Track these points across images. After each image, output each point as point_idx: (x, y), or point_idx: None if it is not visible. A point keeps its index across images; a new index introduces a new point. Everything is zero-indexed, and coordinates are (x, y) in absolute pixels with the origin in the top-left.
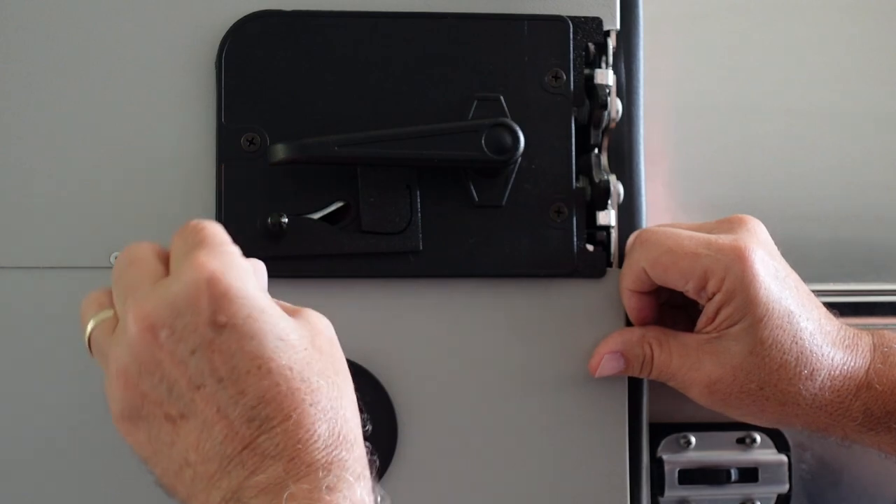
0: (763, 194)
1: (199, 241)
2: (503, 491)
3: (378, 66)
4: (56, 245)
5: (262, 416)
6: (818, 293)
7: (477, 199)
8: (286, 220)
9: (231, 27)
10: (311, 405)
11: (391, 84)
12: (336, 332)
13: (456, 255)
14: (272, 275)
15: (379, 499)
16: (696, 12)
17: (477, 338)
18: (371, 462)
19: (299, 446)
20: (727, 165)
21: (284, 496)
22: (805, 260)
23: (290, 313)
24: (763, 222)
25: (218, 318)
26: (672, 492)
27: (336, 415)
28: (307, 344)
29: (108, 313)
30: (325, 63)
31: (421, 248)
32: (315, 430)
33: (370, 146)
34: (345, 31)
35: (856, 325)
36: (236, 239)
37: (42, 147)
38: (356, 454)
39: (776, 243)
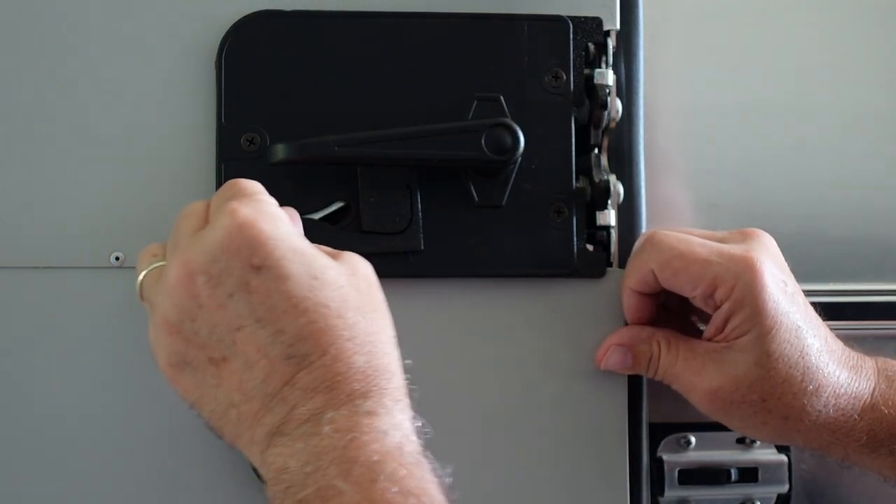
0: (763, 194)
1: (233, 193)
2: (503, 491)
3: (378, 66)
4: (56, 245)
5: (301, 353)
6: (817, 293)
7: (477, 199)
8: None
9: (231, 27)
10: (348, 340)
11: (391, 84)
12: None
13: (456, 255)
14: None
15: (420, 424)
16: (697, 13)
17: (477, 338)
18: (410, 392)
19: (338, 378)
20: (727, 165)
21: (325, 419)
22: (806, 259)
23: (331, 255)
24: (763, 222)
25: (252, 260)
26: (672, 492)
27: (374, 348)
28: (344, 282)
29: (161, 262)
30: (325, 63)
31: (422, 247)
32: (353, 364)
33: (370, 146)
34: (345, 31)
35: (853, 327)
36: None
37: (42, 147)
38: (395, 383)
39: (776, 243)
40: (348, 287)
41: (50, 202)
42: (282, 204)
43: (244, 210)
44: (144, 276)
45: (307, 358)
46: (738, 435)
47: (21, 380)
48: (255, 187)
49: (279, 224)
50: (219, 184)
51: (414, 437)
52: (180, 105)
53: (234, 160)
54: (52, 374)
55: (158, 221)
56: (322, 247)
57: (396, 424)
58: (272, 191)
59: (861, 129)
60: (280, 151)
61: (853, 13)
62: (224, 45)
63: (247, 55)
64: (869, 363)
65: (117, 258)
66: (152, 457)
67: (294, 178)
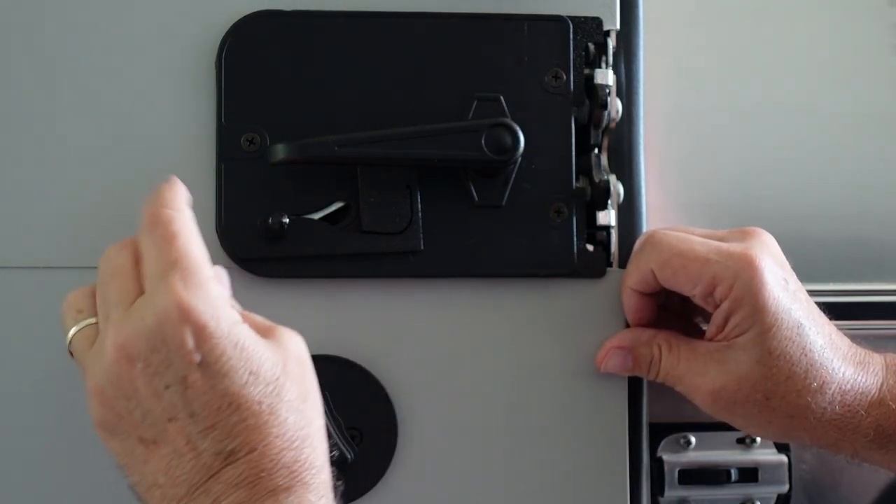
0: (763, 194)
1: (172, 262)
2: (503, 491)
3: (378, 66)
4: (56, 245)
5: (229, 450)
6: (817, 293)
7: (477, 199)
8: (287, 220)
9: (231, 27)
10: (276, 437)
11: (391, 84)
12: (336, 332)
13: (456, 255)
14: (272, 275)
15: None
16: (696, 13)
17: (477, 338)
18: (336, 488)
19: (262, 474)
20: (727, 165)
21: None
22: (804, 260)
23: (264, 332)
24: (762, 222)
25: (193, 356)
26: (672, 492)
27: (302, 443)
28: (279, 372)
29: (90, 321)
30: (325, 63)
31: (422, 247)
32: (279, 459)
33: (370, 146)
34: (345, 31)
35: (853, 327)
36: (237, 239)
37: (42, 147)
38: (321, 478)
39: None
40: (283, 377)
41: (50, 202)
42: (282, 205)
43: (189, 298)
44: (73, 336)
45: (235, 454)
46: (738, 435)
47: (21, 380)
48: (196, 258)
49: (222, 314)
50: (219, 184)
51: None
52: (180, 105)
53: (234, 160)
54: (52, 374)
55: None
56: (254, 319)
57: None
58: (272, 191)
59: (861, 129)
60: (280, 151)
61: (853, 13)
62: (224, 45)
63: (247, 55)
64: (877, 359)
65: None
66: None
67: (294, 178)
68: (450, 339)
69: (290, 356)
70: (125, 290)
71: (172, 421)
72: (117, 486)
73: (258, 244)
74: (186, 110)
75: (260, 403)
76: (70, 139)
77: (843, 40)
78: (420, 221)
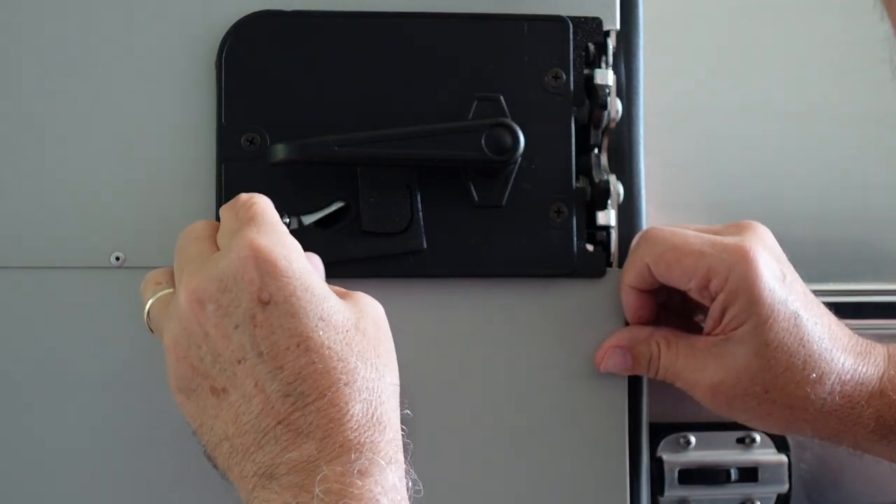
0: (762, 194)
1: (249, 218)
2: (503, 491)
3: (378, 66)
4: (56, 245)
5: (297, 393)
6: (817, 293)
7: (477, 199)
8: (287, 220)
9: (231, 27)
10: (345, 384)
11: (391, 84)
12: None
13: (456, 255)
14: None
15: (411, 483)
16: (696, 13)
17: (476, 338)
18: (406, 446)
19: (331, 425)
20: (727, 165)
21: (317, 478)
22: (803, 259)
23: (342, 296)
24: (762, 222)
25: (262, 294)
26: (672, 492)
27: (371, 395)
28: (350, 325)
29: (166, 290)
30: (326, 63)
31: (422, 247)
32: (348, 410)
33: (370, 146)
34: (345, 31)
35: (853, 327)
36: None
37: (42, 147)
38: (388, 436)
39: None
40: (354, 331)
41: (50, 202)
42: (282, 205)
43: (261, 240)
44: (151, 305)
45: (304, 398)
46: (737, 435)
47: (21, 380)
48: (272, 214)
49: (293, 258)
50: (219, 184)
51: (406, 502)
52: (180, 105)
53: (234, 160)
54: (52, 374)
55: (158, 221)
56: (335, 287)
57: (389, 487)
58: (272, 191)
59: (861, 129)
60: (280, 151)
61: (851, 13)
62: (224, 45)
63: (247, 55)
64: (879, 349)
65: (117, 258)
66: (152, 457)
67: (294, 178)
68: (449, 339)
69: (364, 315)
70: (202, 249)
71: (241, 363)
72: (118, 487)
73: None
74: (186, 110)
75: (329, 348)
76: (70, 139)
77: (843, 40)
78: (420, 221)
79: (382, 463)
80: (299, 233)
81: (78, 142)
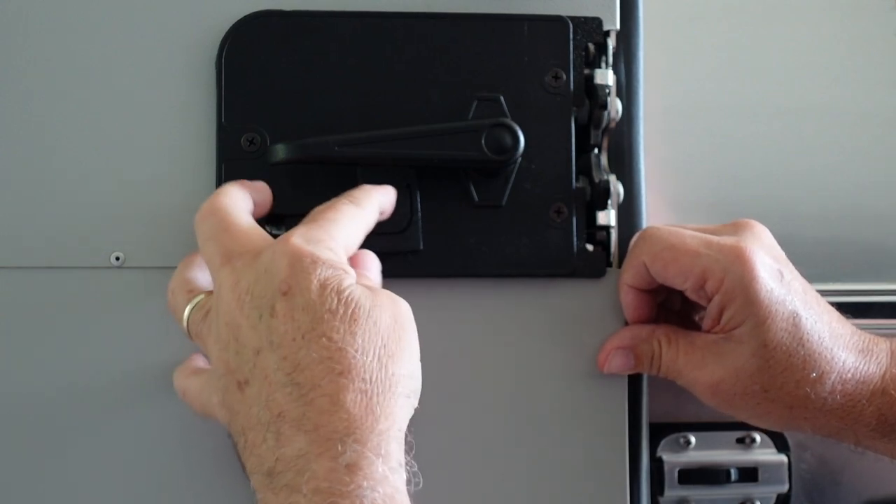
0: (762, 194)
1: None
2: (503, 490)
3: (378, 66)
4: (56, 245)
5: (294, 383)
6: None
7: (477, 199)
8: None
9: (231, 27)
10: (339, 374)
11: (391, 84)
12: None
13: (456, 254)
14: None
15: (410, 476)
16: (696, 12)
17: (476, 338)
18: (409, 444)
19: (321, 416)
20: (727, 165)
21: (305, 478)
22: (803, 259)
23: (369, 290)
24: (761, 222)
25: (282, 285)
26: (672, 492)
27: (367, 385)
28: (361, 314)
29: (199, 298)
30: (325, 63)
31: (422, 247)
32: (339, 399)
33: (370, 146)
34: (345, 31)
35: (854, 326)
36: None
37: (42, 147)
38: (382, 427)
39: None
40: (364, 321)
41: (50, 202)
42: (282, 205)
43: (299, 239)
44: (190, 313)
45: (299, 388)
46: (737, 434)
47: (21, 380)
48: (320, 226)
49: (322, 253)
50: (219, 184)
51: (401, 494)
52: (180, 105)
53: (234, 160)
54: (52, 374)
55: (158, 222)
56: (367, 283)
57: (380, 479)
58: (272, 191)
59: (861, 129)
60: (280, 151)
61: (851, 13)
62: (224, 45)
63: (247, 55)
64: (882, 346)
65: (117, 258)
66: (152, 456)
67: (294, 178)
68: (449, 339)
69: (379, 307)
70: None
71: (259, 353)
72: (118, 486)
73: None
74: (186, 110)
75: (329, 338)
76: (70, 139)
77: (844, 40)
78: (420, 221)
79: (371, 456)
80: None
81: (78, 142)
